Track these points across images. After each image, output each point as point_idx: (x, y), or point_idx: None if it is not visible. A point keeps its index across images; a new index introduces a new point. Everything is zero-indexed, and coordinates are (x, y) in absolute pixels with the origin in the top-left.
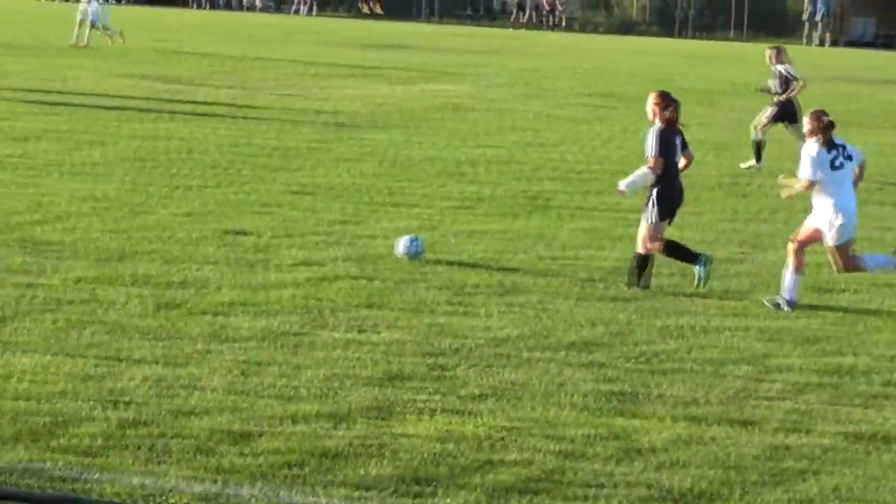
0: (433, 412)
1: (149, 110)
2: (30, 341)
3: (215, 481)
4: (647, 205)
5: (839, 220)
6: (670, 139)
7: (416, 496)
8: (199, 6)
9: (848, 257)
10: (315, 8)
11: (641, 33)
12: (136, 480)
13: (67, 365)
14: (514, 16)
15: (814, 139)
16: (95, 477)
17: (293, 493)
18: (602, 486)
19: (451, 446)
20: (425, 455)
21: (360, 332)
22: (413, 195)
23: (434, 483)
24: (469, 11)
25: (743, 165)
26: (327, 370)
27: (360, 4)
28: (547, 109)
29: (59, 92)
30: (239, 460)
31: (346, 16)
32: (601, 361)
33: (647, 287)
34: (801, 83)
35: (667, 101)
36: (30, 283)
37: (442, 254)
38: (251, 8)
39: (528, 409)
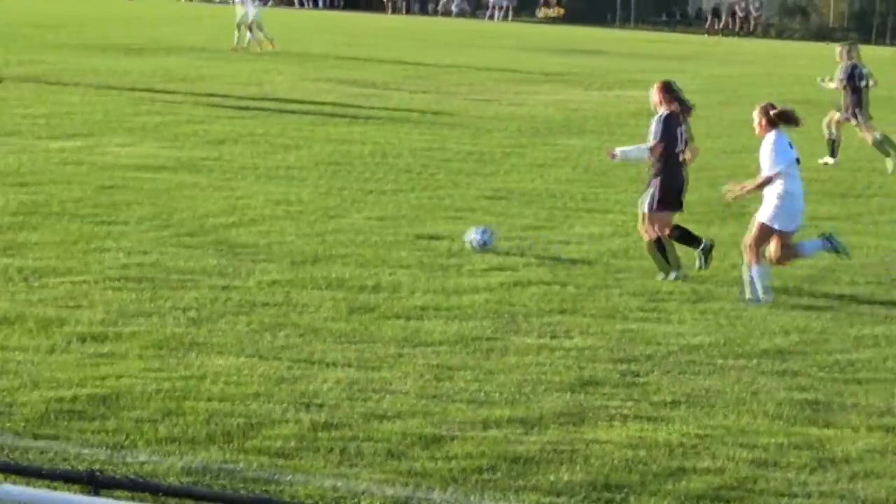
0: (625, 418)
1: (343, 115)
2: (224, 343)
3: (406, 485)
4: (647, 192)
5: (794, 208)
6: (673, 128)
7: (607, 502)
8: (396, 11)
9: (788, 246)
10: (511, 13)
11: (838, 40)
12: (327, 483)
13: (261, 367)
14: (708, 22)
15: (774, 131)
16: (288, 479)
17: (484, 497)
18: (795, 495)
19: (642, 453)
20: (617, 461)
21: (552, 337)
22: (607, 201)
23: (625, 490)
24: (664, 17)
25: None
26: (519, 375)
27: (538, 9)
28: (742, 116)
29: (253, 98)
30: (430, 464)
31: (539, 21)
32: (795, 370)
33: (679, 267)
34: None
35: (671, 92)
36: (225, 286)
37: (634, 260)
38: (447, 13)
39: (721, 416)
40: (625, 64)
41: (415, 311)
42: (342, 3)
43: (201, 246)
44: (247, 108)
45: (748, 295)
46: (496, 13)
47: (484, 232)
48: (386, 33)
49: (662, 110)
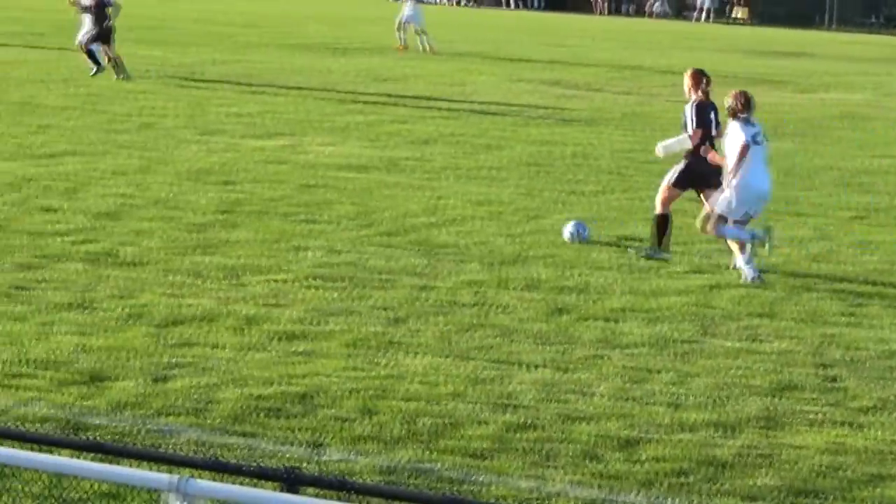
0: (823, 424)
1: (545, 116)
2: (422, 343)
3: (601, 487)
4: (675, 167)
5: (749, 195)
6: (706, 112)
7: None
8: (603, 13)
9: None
10: (713, 15)
11: None
12: (523, 484)
13: (458, 367)
14: None
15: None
16: (482, 479)
17: (679, 501)
18: None
19: (840, 459)
20: (814, 467)
21: (751, 340)
22: (810, 204)
23: (821, 495)
24: (872, 19)
25: None
26: (717, 378)
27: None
28: None
29: (455, 98)
30: (625, 467)
31: (733, 23)
32: None
33: (665, 251)
34: None
35: (700, 78)
36: (423, 286)
37: (835, 264)
38: (652, 14)
39: None
40: (830, 66)
41: (613, 312)
42: (542, 4)
43: (401, 245)
44: (449, 109)
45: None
46: (700, 15)
47: (579, 226)
48: (590, 34)
49: (693, 97)
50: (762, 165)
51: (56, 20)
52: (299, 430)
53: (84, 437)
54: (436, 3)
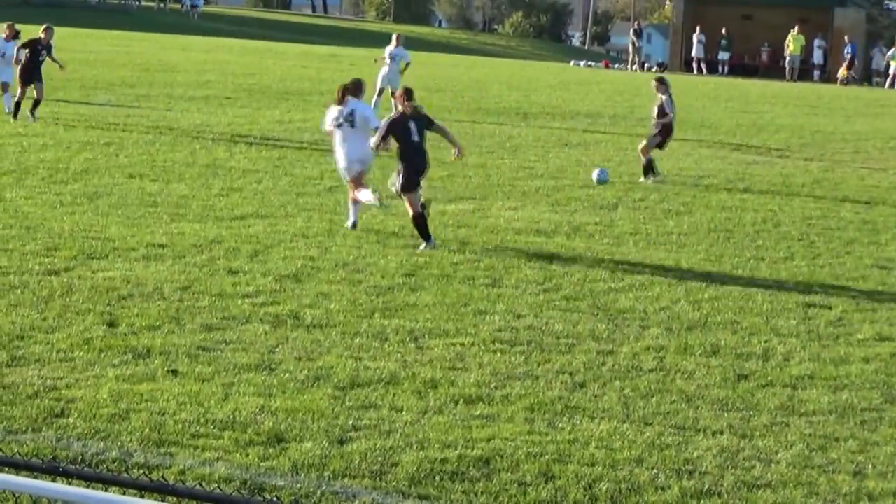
0: None
1: (732, 181)
2: (602, 408)
3: None
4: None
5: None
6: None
7: None
8: (794, 78)
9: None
10: None
11: None
12: None
13: (639, 432)
14: None
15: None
16: None
17: None
18: None
19: None
20: None
21: None
22: None
23: None
24: None
25: None
26: None
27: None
28: None
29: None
30: None
31: None
32: None
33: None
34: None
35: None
36: (605, 350)
37: None
38: (839, 81)
39: None
40: None
41: (795, 379)
42: (726, 70)
43: (583, 310)
44: (632, 174)
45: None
46: (890, 80)
47: (602, 171)
48: (780, 100)
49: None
50: None
51: (245, 84)
52: (479, 493)
53: (264, 498)
54: (624, 70)
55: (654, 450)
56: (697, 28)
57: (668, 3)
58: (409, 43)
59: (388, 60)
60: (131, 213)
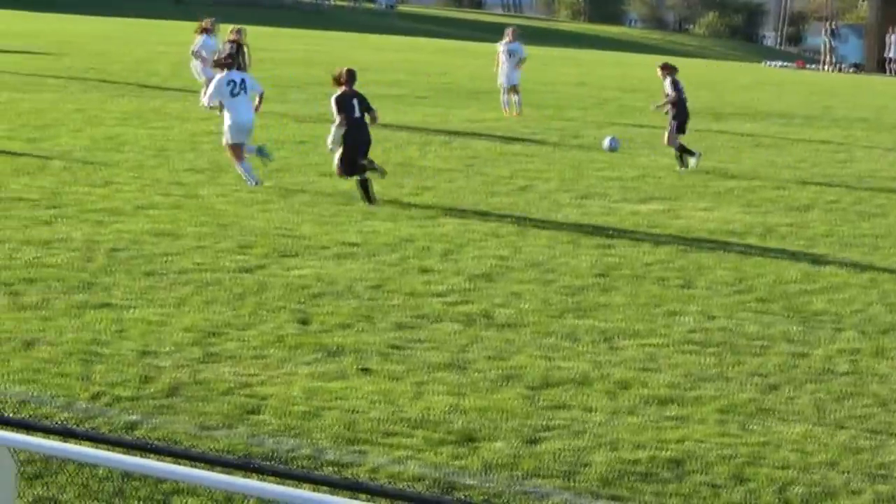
0: None
1: None
2: (795, 410)
3: None
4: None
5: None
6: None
7: None
8: None
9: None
10: None
11: None
12: None
13: (832, 436)
14: None
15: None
16: None
17: None
18: None
19: None
20: None
21: None
22: None
23: None
24: None
25: None
26: None
27: None
28: None
29: (834, 166)
30: None
31: None
32: None
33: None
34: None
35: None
36: (798, 353)
37: None
38: None
39: None
40: None
41: None
42: None
43: (776, 312)
44: (827, 175)
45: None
46: None
47: (613, 139)
48: None
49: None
50: None
51: (435, 84)
52: (670, 495)
53: (455, 497)
54: (819, 71)
55: (848, 454)
56: (890, 28)
57: (862, 2)
58: (601, 42)
59: (503, 57)
60: (324, 211)
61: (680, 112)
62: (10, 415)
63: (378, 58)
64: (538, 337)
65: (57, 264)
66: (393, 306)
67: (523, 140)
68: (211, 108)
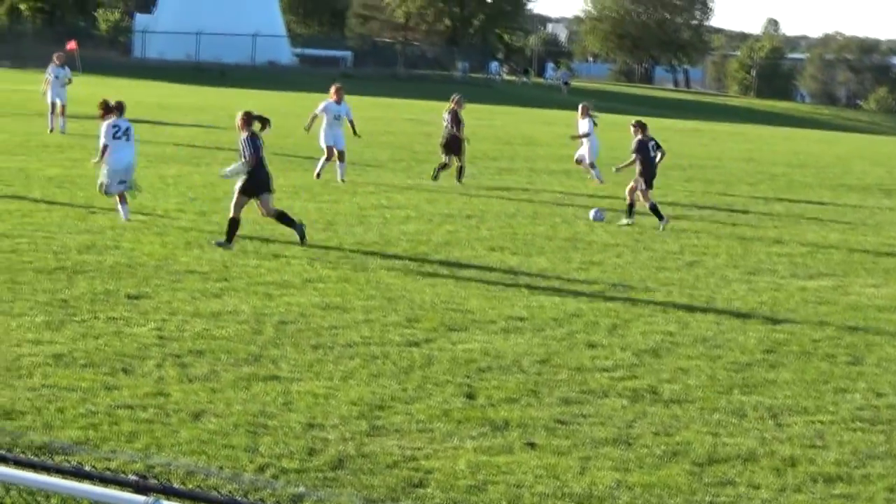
0: None
1: None
2: None
3: None
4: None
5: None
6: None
7: None
8: None
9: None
10: None
11: None
12: None
13: None
14: None
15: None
16: None
17: None
18: None
19: None
20: None
21: None
22: None
23: None
24: None
25: None
26: None
27: None
28: None
29: None
30: None
31: None
32: None
33: None
34: None
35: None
36: None
37: None
38: None
39: None
40: None
41: None
42: None
43: None
44: None
45: None
46: None
47: (598, 211)
48: None
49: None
50: None
51: (605, 158)
52: None
53: None
54: None
55: None
56: None
57: None
58: (770, 117)
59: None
60: (491, 285)
61: (646, 169)
62: (178, 486)
63: (547, 131)
64: (704, 413)
65: (225, 336)
66: (559, 381)
67: (691, 215)
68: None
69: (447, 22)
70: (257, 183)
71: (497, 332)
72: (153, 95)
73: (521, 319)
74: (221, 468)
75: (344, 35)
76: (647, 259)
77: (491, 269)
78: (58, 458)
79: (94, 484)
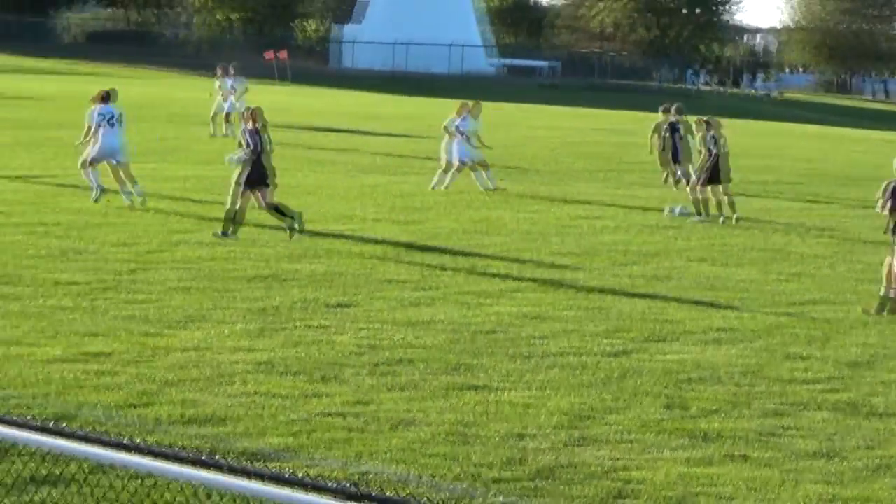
0: None
1: None
2: None
3: None
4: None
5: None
6: None
7: None
8: None
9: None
10: None
11: None
12: None
13: None
14: None
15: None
16: None
17: None
18: None
19: None
20: None
21: None
22: None
23: None
24: None
25: None
26: None
27: None
28: None
29: None
30: None
31: None
32: None
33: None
34: None
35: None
36: None
37: None
38: None
39: None
40: None
41: None
42: None
43: None
44: None
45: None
46: None
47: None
48: None
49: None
50: None
51: (802, 169)
52: None
53: None
54: None
55: None
56: None
57: None
58: None
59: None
60: (694, 296)
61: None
62: (391, 494)
63: (752, 143)
64: None
65: (427, 345)
66: (764, 393)
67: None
68: None
69: (643, 32)
70: (253, 176)
71: (700, 343)
72: (355, 105)
73: (724, 330)
74: (424, 476)
75: (539, 45)
76: (845, 271)
77: (693, 280)
78: (258, 465)
79: (308, 492)
